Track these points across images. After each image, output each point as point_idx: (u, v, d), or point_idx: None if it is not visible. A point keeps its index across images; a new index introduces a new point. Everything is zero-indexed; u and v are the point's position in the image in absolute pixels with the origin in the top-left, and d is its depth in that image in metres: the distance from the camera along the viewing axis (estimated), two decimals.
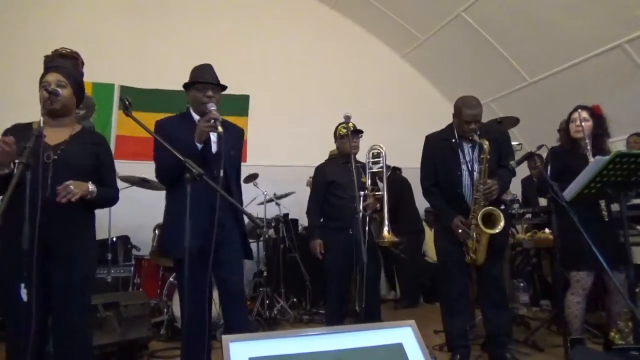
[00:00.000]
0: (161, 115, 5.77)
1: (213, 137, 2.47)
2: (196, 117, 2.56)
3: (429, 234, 6.13)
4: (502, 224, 2.82)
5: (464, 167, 2.99)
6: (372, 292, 3.29)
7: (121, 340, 3.26)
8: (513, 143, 3.37)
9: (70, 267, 2.08)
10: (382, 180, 3.44)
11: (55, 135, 2.13)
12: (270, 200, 5.04)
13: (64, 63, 2.21)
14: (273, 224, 5.22)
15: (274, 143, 5.96)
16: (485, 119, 4.52)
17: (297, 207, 5.47)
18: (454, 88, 3.25)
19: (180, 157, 1.98)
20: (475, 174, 2.92)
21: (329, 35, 6.70)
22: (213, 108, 2.39)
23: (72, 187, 1.97)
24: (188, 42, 5.95)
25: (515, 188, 4.99)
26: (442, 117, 3.79)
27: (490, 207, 2.84)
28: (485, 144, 2.83)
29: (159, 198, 4.58)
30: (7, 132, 2.14)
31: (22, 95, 5.05)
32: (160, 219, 4.36)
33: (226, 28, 6.21)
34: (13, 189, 1.59)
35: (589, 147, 2.99)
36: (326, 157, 5.03)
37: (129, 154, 5.25)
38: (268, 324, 4.37)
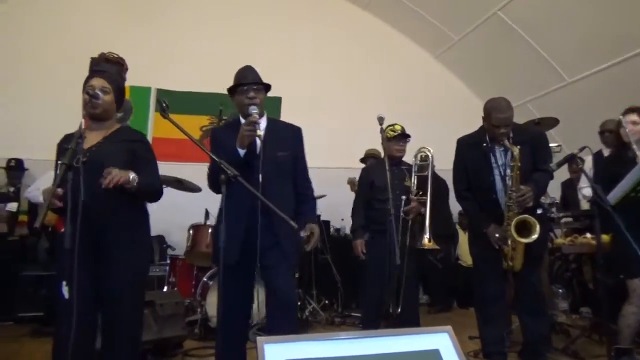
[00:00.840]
0: (195, 117, 5.98)
1: (258, 140, 2.43)
2: (243, 121, 2.50)
3: (463, 237, 6.02)
4: (537, 232, 2.73)
5: (496, 171, 2.92)
6: (409, 297, 3.26)
7: (157, 338, 3.32)
8: (552, 145, 3.26)
9: (118, 266, 2.12)
10: (427, 184, 3.38)
11: (92, 139, 2.18)
12: None
13: (110, 68, 2.27)
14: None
15: (306, 145, 5.96)
16: (522, 120, 4.44)
17: (329, 209, 5.47)
18: (489, 89, 3.17)
19: (215, 158, 1.99)
20: (507, 179, 2.84)
21: (361, 37, 6.67)
22: (254, 111, 2.35)
23: (114, 172, 1.98)
24: (220, 45, 6.05)
25: (554, 191, 4.83)
26: (476, 119, 3.69)
27: (525, 215, 2.75)
28: (515, 151, 2.75)
29: (193, 199, 4.70)
30: (60, 145, 2.22)
31: (59, 99, 5.29)
32: (193, 219, 4.49)
33: (257, 31, 6.27)
34: (55, 189, 1.64)
35: (638, 153, 2.86)
36: (357, 158, 5.03)
37: (164, 155, 5.31)
38: (300, 326, 4.36)
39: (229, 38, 6.11)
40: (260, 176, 2.29)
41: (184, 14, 6.16)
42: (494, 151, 2.93)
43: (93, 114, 2.19)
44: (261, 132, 2.30)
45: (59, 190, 1.83)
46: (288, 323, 2.40)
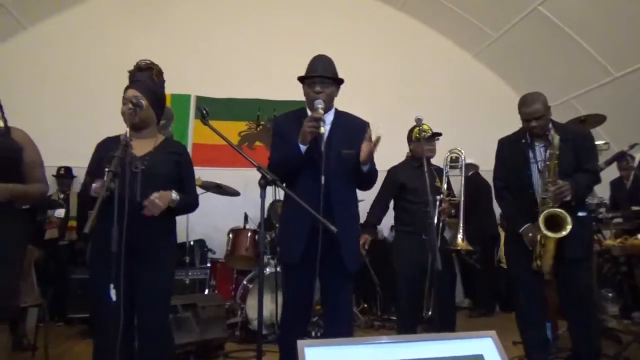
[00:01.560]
0: (234, 123, 6.08)
1: (325, 134, 2.29)
2: (310, 114, 2.37)
3: (504, 240, 5.87)
4: (568, 228, 2.61)
5: (533, 167, 2.83)
6: (446, 300, 3.19)
7: (199, 340, 3.39)
8: (599, 142, 3.13)
9: (154, 269, 2.19)
10: (460, 185, 3.32)
11: (141, 147, 2.25)
12: None
13: (141, 77, 2.31)
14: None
15: None
16: (566, 117, 4.29)
17: (366, 212, 5.44)
18: (531, 86, 3.08)
19: (254, 163, 2.00)
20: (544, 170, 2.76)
21: (397, 38, 6.61)
22: (320, 106, 2.24)
23: (157, 201, 2.07)
24: (257, 51, 6.14)
25: (604, 190, 4.64)
26: (518, 117, 3.61)
27: (556, 209, 2.64)
28: (556, 139, 2.67)
29: (232, 203, 4.79)
30: (99, 146, 2.31)
31: (106, 108, 5.49)
32: (233, 223, 4.57)
33: (292, 35, 6.31)
34: (103, 196, 1.71)
35: None
36: (397, 160, 4.98)
37: (204, 161, 5.48)
38: None
39: (265, 44, 6.20)
40: (323, 177, 2.17)
41: (221, 22, 6.28)
42: (533, 147, 2.86)
43: (132, 123, 2.25)
44: (325, 129, 2.20)
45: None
46: (341, 331, 2.32)
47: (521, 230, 2.81)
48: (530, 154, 2.84)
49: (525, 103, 2.82)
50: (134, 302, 2.16)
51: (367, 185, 2.52)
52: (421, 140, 3.04)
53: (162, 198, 2.10)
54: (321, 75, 2.38)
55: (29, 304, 3.25)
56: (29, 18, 5.80)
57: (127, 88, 2.29)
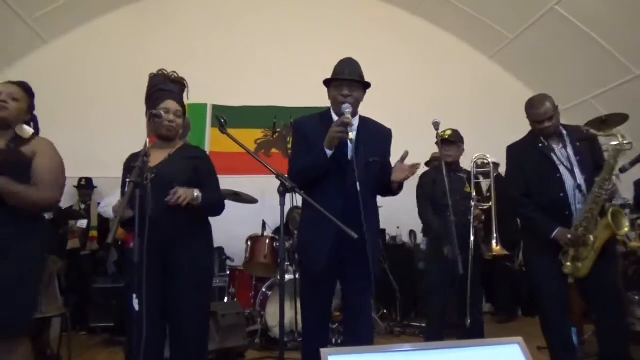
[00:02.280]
0: (250, 131, 6.10)
1: (351, 143, 2.24)
2: (335, 117, 2.34)
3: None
4: (627, 224, 2.60)
5: (561, 168, 2.76)
6: (473, 306, 3.14)
7: (220, 348, 3.40)
8: (624, 142, 3.06)
9: (183, 277, 2.21)
10: (489, 191, 3.28)
11: (158, 156, 2.27)
12: None
13: (176, 89, 2.36)
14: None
15: None
16: (587, 117, 4.22)
17: (385, 217, 5.39)
18: (549, 87, 3.03)
19: (273, 170, 1.98)
20: (576, 171, 2.69)
21: (412, 42, 6.59)
22: (348, 110, 2.19)
23: (180, 191, 2.10)
24: (271, 58, 6.18)
25: (627, 191, 4.54)
26: None
27: (618, 208, 2.61)
28: (593, 132, 2.65)
29: (250, 211, 4.80)
30: (126, 164, 2.35)
31: (125, 119, 5.59)
32: (251, 231, 4.58)
33: (306, 42, 6.33)
34: (125, 207, 1.73)
35: None
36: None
37: (221, 169, 5.40)
38: None
39: (280, 51, 6.23)
40: (358, 184, 2.10)
41: (236, 30, 6.34)
42: (554, 149, 2.80)
43: (167, 136, 2.31)
44: (353, 135, 2.15)
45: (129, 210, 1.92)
46: (362, 339, 2.31)
47: (555, 234, 2.71)
48: (554, 157, 2.78)
49: (534, 105, 2.79)
50: (169, 314, 2.17)
51: (392, 194, 2.48)
52: (438, 143, 3.01)
53: (184, 192, 2.11)
54: (350, 79, 2.34)
55: (52, 314, 3.29)
56: (49, 33, 5.93)
57: (164, 98, 2.31)
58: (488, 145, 3.73)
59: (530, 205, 2.86)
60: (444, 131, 3.41)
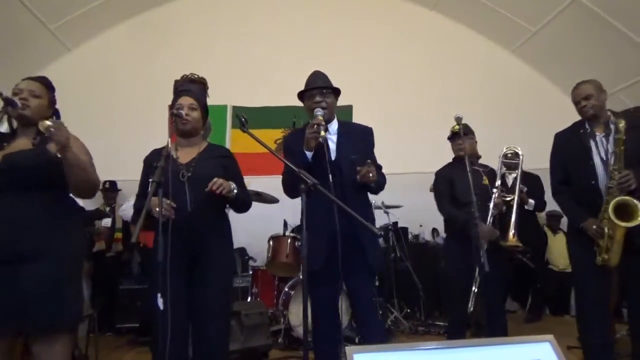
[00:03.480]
0: (269, 131, 6.12)
1: (332, 144, 2.46)
2: None
3: (552, 241, 5.66)
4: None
5: (596, 158, 2.70)
6: (495, 304, 3.08)
7: (243, 348, 3.41)
8: None
9: (210, 275, 2.24)
10: (516, 182, 3.25)
11: (187, 154, 2.33)
12: (379, 208, 4.98)
13: (194, 88, 2.41)
14: (382, 233, 5.14)
15: (379, 151, 5.91)
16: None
17: (407, 215, 5.37)
18: (574, 81, 2.94)
19: (293, 167, 2.01)
20: (610, 157, 2.63)
21: (431, 38, 6.52)
22: (319, 113, 2.36)
23: (220, 180, 2.15)
24: (289, 58, 6.18)
25: None
26: (562, 113, 3.48)
27: (625, 197, 2.52)
28: (621, 123, 2.55)
29: (271, 211, 4.81)
30: (147, 159, 2.38)
31: (148, 123, 5.67)
32: (273, 230, 4.59)
33: (325, 41, 6.33)
34: (147, 205, 1.75)
35: None
36: (434, 162, 4.90)
37: (242, 170, 5.54)
38: None
39: (298, 50, 6.23)
40: (332, 182, 2.25)
41: (254, 31, 6.38)
42: (594, 136, 2.74)
43: (183, 130, 2.34)
44: (325, 134, 2.29)
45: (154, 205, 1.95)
46: (374, 330, 2.42)
47: (583, 223, 2.68)
48: (592, 144, 2.73)
49: (574, 87, 2.83)
50: (192, 313, 2.20)
51: (375, 192, 2.60)
52: (458, 138, 2.98)
53: (223, 182, 2.17)
54: (321, 87, 2.51)
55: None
56: (73, 40, 6.06)
57: (180, 95, 2.37)
58: (510, 141, 3.66)
59: (565, 194, 2.85)
60: (453, 127, 3.37)
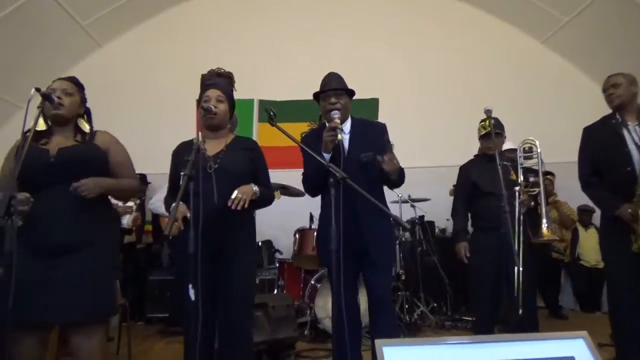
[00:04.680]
0: (296, 125, 6.15)
1: (345, 143, 2.50)
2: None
3: (584, 235, 5.53)
4: None
5: (631, 145, 2.66)
6: (527, 298, 3.03)
7: (271, 339, 3.45)
8: None
9: (236, 270, 2.27)
10: (537, 176, 3.18)
11: (214, 147, 2.36)
12: (405, 202, 4.96)
13: (221, 81, 2.44)
14: (409, 227, 5.11)
15: (406, 144, 5.85)
16: None
17: (433, 209, 5.32)
18: (608, 72, 2.87)
19: (323, 161, 2.03)
20: None
21: (459, 29, 6.40)
22: (335, 116, 2.40)
23: (239, 195, 2.17)
24: (316, 51, 6.18)
25: None
26: (594, 104, 3.38)
27: None
28: None
29: (297, 204, 4.83)
30: (175, 152, 2.43)
31: (176, 117, 5.76)
32: (299, 224, 4.61)
33: (352, 33, 6.31)
34: (180, 199, 1.79)
35: None
36: (461, 155, 4.83)
37: (269, 163, 5.56)
38: (409, 329, 4.28)
39: (324, 43, 6.23)
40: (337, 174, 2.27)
41: (280, 26, 6.39)
42: (627, 125, 2.71)
43: (211, 123, 2.37)
44: (342, 136, 2.36)
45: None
46: (385, 322, 2.47)
47: (618, 210, 2.63)
48: (625, 132, 2.70)
49: (609, 76, 2.84)
50: (216, 303, 2.24)
51: (396, 185, 2.62)
52: (482, 136, 2.94)
53: (245, 192, 2.20)
54: (335, 88, 2.56)
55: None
56: (103, 36, 6.20)
57: (208, 88, 2.40)
58: (540, 134, 3.58)
59: (596, 185, 2.82)
60: (484, 122, 3.30)
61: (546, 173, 4.51)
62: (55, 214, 2.02)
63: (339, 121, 2.38)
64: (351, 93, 2.63)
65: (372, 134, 2.62)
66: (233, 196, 2.15)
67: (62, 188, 2.02)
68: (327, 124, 2.52)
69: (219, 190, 2.16)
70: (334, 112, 2.43)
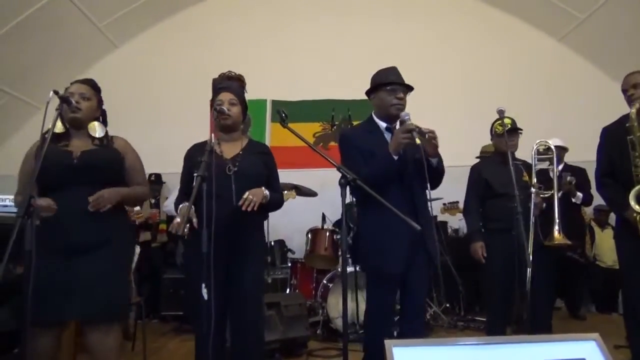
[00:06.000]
0: (308, 125, 6.16)
1: None
2: (381, 123, 2.49)
3: (600, 235, 5.46)
4: None
5: None
6: (541, 300, 3.00)
7: (283, 338, 3.47)
8: None
9: (247, 268, 2.30)
10: (552, 178, 3.15)
11: (230, 149, 2.39)
12: None
13: (232, 84, 2.47)
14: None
15: None
16: None
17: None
18: (626, 70, 2.82)
19: (333, 162, 2.03)
20: None
21: (476, 28, 6.34)
22: (407, 117, 2.28)
23: (251, 196, 2.19)
24: (330, 50, 6.20)
25: None
26: (612, 102, 3.34)
27: None
28: (634, 108, 2.57)
29: (309, 204, 4.86)
30: (188, 153, 2.47)
31: (192, 117, 5.81)
32: (311, 223, 4.63)
33: (366, 32, 6.30)
34: (194, 199, 1.82)
35: None
36: (476, 155, 4.80)
37: (281, 163, 5.52)
38: None
39: (338, 43, 6.24)
40: (428, 185, 2.26)
41: (293, 24, 6.41)
42: None
43: (225, 125, 2.40)
44: (418, 141, 2.20)
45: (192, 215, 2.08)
46: (416, 328, 2.43)
47: (627, 212, 2.61)
48: None
49: (627, 76, 2.80)
50: (231, 303, 2.27)
51: (437, 181, 2.49)
52: (503, 134, 2.90)
53: (255, 194, 2.21)
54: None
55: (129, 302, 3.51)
56: (120, 38, 6.29)
57: (220, 91, 2.43)
58: (558, 134, 3.55)
59: (611, 186, 2.80)
60: (500, 120, 3.25)
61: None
62: (75, 215, 2.08)
63: (412, 123, 2.25)
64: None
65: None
66: (245, 197, 2.18)
67: (82, 189, 2.10)
68: (378, 122, 2.47)
69: (237, 192, 2.20)
70: (405, 114, 2.31)
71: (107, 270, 2.10)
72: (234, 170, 2.27)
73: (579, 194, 4.63)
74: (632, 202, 2.49)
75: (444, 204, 4.83)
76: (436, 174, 2.43)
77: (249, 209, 2.17)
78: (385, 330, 2.40)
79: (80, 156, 2.16)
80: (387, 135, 2.44)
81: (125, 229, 2.33)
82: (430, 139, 2.27)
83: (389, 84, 2.42)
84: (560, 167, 3.22)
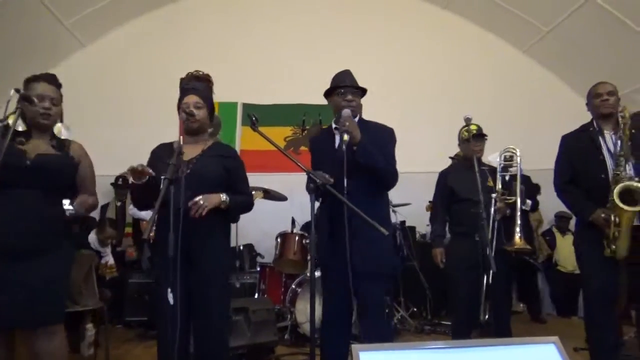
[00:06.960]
0: (279, 129, 6.15)
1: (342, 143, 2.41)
2: (333, 125, 2.60)
3: (561, 242, 5.65)
4: None
5: (606, 153, 2.74)
6: (501, 303, 3.08)
7: (250, 343, 3.44)
8: None
9: (207, 273, 2.25)
10: (516, 184, 3.24)
11: (191, 151, 2.33)
12: None
13: (199, 85, 2.43)
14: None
15: None
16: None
17: (414, 215, 5.36)
18: (587, 81, 2.94)
19: (303, 167, 2.03)
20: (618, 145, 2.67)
21: (443, 37, 6.49)
22: (346, 113, 2.40)
23: (201, 202, 2.13)
24: (301, 55, 6.21)
25: None
26: (572, 114, 3.47)
27: (631, 183, 2.53)
28: (626, 110, 2.67)
29: (279, 208, 4.84)
30: (154, 152, 2.41)
31: (160, 118, 5.71)
32: (281, 228, 4.61)
33: (335, 39, 6.33)
34: (160, 203, 1.79)
35: None
36: (442, 161, 4.89)
37: (251, 167, 5.43)
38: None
39: (307, 49, 6.25)
40: (345, 181, 2.28)
41: (264, 29, 6.39)
42: (603, 135, 2.79)
43: (191, 128, 2.36)
44: (346, 137, 2.29)
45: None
46: (375, 330, 2.44)
47: (592, 215, 2.69)
48: (601, 140, 2.78)
49: (596, 85, 2.89)
50: (194, 308, 2.23)
51: (383, 181, 2.54)
52: (470, 139, 2.97)
53: (207, 199, 2.15)
54: (353, 86, 2.56)
55: (90, 307, 3.40)
56: (87, 36, 6.13)
57: (186, 94, 2.38)
58: (520, 142, 3.64)
59: (573, 192, 2.87)
60: (467, 127, 3.34)
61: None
62: (20, 217, 2.06)
63: (350, 119, 2.37)
64: (364, 93, 2.64)
65: (377, 136, 2.56)
66: (190, 203, 2.11)
67: (31, 192, 2.08)
68: (333, 124, 2.57)
69: (187, 195, 2.09)
70: (346, 110, 2.43)
71: (55, 276, 2.11)
72: (186, 173, 2.18)
73: (528, 201, 4.79)
74: (617, 200, 2.53)
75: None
76: (380, 177, 2.49)
77: (196, 215, 2.10)
78: (332, 329, 2.52)
79: (34, 159, 2.12)
80: (337, 136, 2.53)
81: (70, 235, 2.28)
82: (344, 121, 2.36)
83: (340, 87, 2.56)
84: (507, 176, 3.33)
